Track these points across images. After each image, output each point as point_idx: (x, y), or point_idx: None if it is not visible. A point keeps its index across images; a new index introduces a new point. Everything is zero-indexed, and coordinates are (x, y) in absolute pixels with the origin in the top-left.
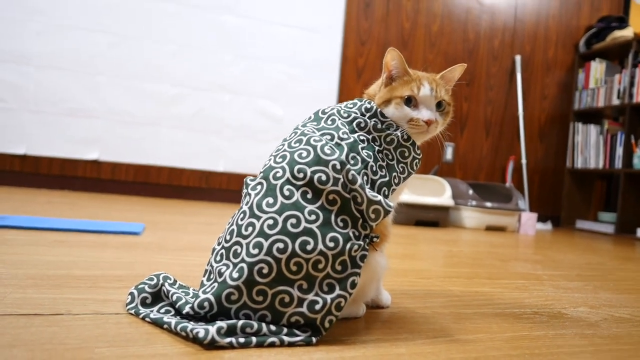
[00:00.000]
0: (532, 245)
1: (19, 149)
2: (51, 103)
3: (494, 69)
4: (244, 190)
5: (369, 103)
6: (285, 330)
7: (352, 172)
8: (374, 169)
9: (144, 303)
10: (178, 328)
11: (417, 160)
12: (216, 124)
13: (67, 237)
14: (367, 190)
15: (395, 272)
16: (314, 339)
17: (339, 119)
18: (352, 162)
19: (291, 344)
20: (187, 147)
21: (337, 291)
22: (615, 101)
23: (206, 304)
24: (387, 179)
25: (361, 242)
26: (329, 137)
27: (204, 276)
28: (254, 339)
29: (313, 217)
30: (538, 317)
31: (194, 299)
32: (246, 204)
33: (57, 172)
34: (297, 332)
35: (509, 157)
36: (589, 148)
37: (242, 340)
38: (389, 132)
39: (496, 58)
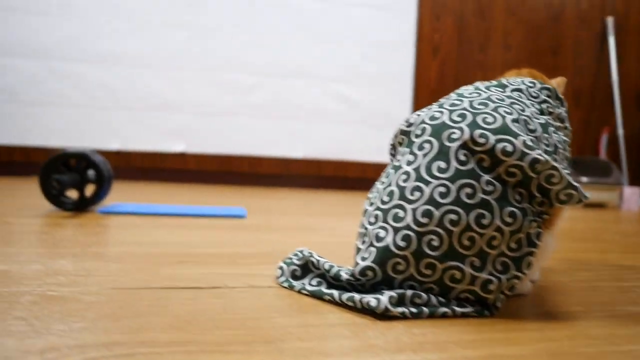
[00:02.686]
0: None
1: (113, 144)
2: (138, 99)
3: (582, 34)
4: (401, 143)
5: (553, 90)
6: (454, 302)
7: (545, 152)
8: (560, 157)
9: (293, 276)
10: (343, 298)
11: None
12: (293, 110)
13: (182, 222)
14: (565, 172)
15: None
16: (486, 312)
17: (527, 97)
18: (544, 142)
19: (464, 315)
20: (266, 134)
21: (512, 271)
22: None
23: (369, 272)
24: (568, 171)
25: (538, 219)
26: (519, 108)
27: (357, 239)
28: (424, 309)
29: (490, 187)
30: None
31: (353, 267)
32: (408, 164)
33: (148, 165)
34: (466, 304)
35: (603, 128)
36: None
37: (414, 310)
38: (567, 126)
39: (584, 22)
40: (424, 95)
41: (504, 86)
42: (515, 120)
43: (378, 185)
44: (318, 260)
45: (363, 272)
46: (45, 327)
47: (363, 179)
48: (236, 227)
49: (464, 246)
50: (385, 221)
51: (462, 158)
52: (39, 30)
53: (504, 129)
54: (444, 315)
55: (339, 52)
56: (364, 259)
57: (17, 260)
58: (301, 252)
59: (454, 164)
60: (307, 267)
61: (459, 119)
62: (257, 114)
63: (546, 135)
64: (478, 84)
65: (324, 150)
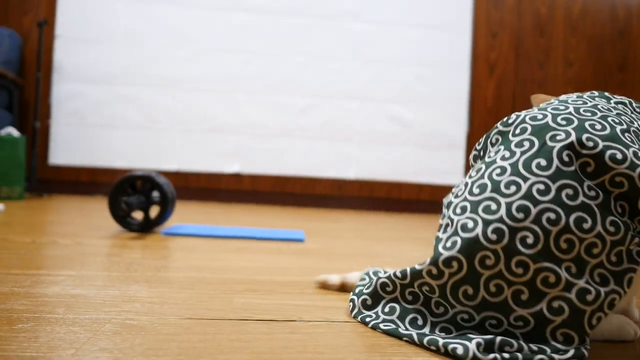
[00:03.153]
0: None
1: (172, 165)
2: (196, 122)
3: None
4: (494, 143)
5: None
6: (549, 349)
7: None
8: None
9: (364, 305)
10: (424, 341)
11: None
12: (346, 132)
13: (243, 244)
14: None
15: None
16: (585, 352)
17: (632, 112)
18: None
19: None
20: (319, 156)
21: (612, 285)
22: None
23: (455, 263)
24: None
25: (639, 237)
26: (627, 120)
27: (439, 230)
28: (519, 355)
29: (592, 193)
30: None
31: (432, 257)
32: (504, 159)
33: (204, 185)
34: (560, 346)
35: None
36: None
37: (506, 356)
38: None
39: None
40: (480, 114)
41: (607, 98)
42: (625, 131)
43: (466, 179)
44: (386, 274)
45: (448, 262)
46: None
47: (417, 201)
48: (297, 251)
49: (561, 249)
50: (474, 212)
51: (566, 159)
52: (104, 57)
53: (613, 137)
54: None
55: (393, 72)
56: (446, 248)
57: (94, 285)
58: (367, 274)
59: (556, 162)
60: (377, 294)
61: (563, 122)
62: (310, 135)
63: None
64: (580, 93)
65: (377, 171)
